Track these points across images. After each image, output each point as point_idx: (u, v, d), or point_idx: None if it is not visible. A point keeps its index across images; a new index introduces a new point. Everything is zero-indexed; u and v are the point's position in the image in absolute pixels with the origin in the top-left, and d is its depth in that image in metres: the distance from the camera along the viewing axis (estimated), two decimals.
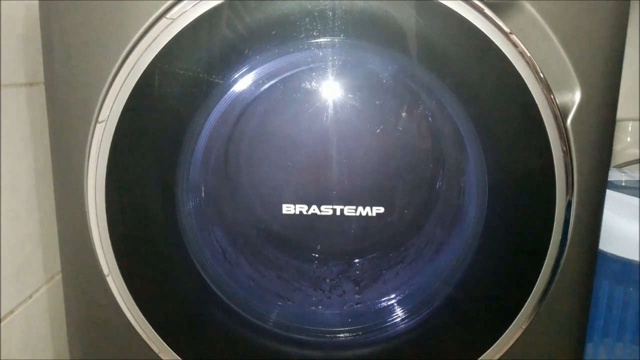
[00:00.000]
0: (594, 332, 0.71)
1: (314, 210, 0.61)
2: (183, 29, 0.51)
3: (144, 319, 0.59)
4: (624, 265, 0.68)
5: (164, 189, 0.56)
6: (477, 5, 0.51)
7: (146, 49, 0.52)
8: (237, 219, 0.68)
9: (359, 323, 0.63)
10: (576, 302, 0.60)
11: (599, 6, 0.52)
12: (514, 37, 0.52)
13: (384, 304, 0.65)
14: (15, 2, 0.60)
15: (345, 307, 0.66)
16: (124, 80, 0.53)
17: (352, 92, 0.60)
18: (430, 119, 0.62)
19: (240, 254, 0.68)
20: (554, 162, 0.53)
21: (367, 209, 0.61)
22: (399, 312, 0.63)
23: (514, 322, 0.58)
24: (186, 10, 0.51)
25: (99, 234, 0.56)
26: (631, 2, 0.54)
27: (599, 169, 0.56)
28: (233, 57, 0.52)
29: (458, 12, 0.51)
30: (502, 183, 0.55)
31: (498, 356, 0.60)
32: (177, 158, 0.55)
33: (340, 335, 0.62)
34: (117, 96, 0.53)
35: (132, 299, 0.58)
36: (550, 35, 0.53)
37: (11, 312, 0.61)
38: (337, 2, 0.51)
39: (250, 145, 0.64)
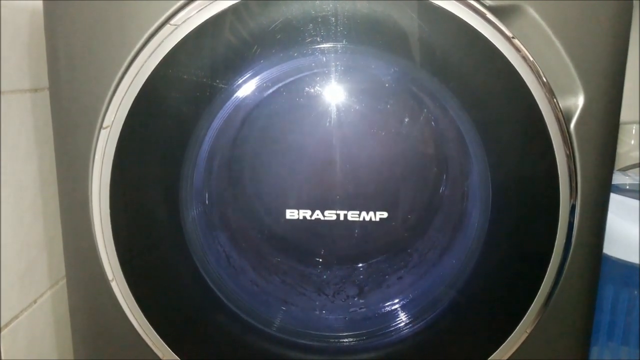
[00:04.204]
0: (599, 336, 0.71)
1: (317, 215, 0.61)
2: (187, 34, 0.52)
3: (148, 323, 0.59)
4: (628, 269, 0.67)
5: (168, 194, 0.56)
6: (479, 9, 0.51)
7: (150, 55, 0.52)
8: (241, 224, 0.68)
9: (363, 328, 0.63)
10: (581, 306, 0.60)
11: (602, 9, 0.52)
12: (516, 41, 0.52)
13: (387, 308, 0.65)
14: (20, 8, 0.60)
15: (349, 312, 0.66)
16: (129, 86, 0.53)
17: (355, 97, 0.60)
18: (433, 123, 0.62)
19: (244, 259, 0.68)
20: (558, 166, 0.53)
21: (371, 213, 0.61)
22: (402, 317, 0.63)
23: (519, 326, 0.58)
24: (190, 16, 0.51)
25: (103, 239, 0.56)
26: (633, 4, 0.54)
27: (602, 172, 0.56)
28: (237, 62, 0.53)
29: (460, 16, 0.51)
30: (505, 187, 0.55)
31: None
32: (181, 163, 0.55)
33: (344, 340, 0.62)
34: (121, 102, 0.53)
35: (136, 304, 0.58)
36: (553, 39, 0.53)
37: (16, 317, 0.61)
38: (339, 7, 0.51)
39: (253, 150, 0.64)
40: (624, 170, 0.93)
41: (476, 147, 0.55)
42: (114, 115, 0.54)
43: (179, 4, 0.52)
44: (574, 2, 0.52)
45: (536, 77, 0.52)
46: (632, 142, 1.01)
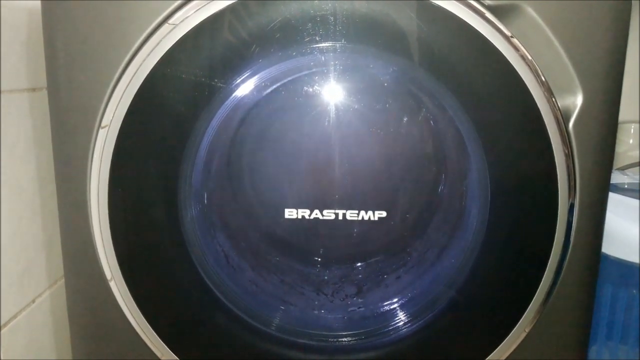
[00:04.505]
0: (598, 335, 0.71)
1: (316, 214, 0.61)
2: (186, 34, 0.51)
3: (147, 323, 0.59)
4: (626, 268, 0.67)
5: (167, 193, 0.56)
6: (478, 9, 0.51)
7: (149, 54, 0.52)
8: (239, 224, 0.68)
9: (362, 327, 0.63)
10: (579, 305, 0.60)
11: (600, 9, 0.52)
12: (515, 40, 0.52)
13: (386, 307, 0.65)
14: (18, 7, 0.60)
15: (347, 311, 0.66)
16: (127, 85, 0.53)
17: (354, 96, 0.60)
18: (432, 122, 0.62)
19: (243, 259, 0.68)
20: (556, 166, 0.53)
21: (370, 213, 0.61)
22: (401, 316, 0.63)
23: (517, 325, 0.58)
24: (189, 16, 0.51)
25: (102, 238, 0.56)
26: (632, 3, 0.54)
27: (601, 171, 0.56)
28: (236, 61, 0.53)
29: (459, 15, 0.51)
30: (504, 187, 0.55)
31: None
32: (179, 163, 0.55)
33: (343, 340, 0.62)
34: (120, 101, 0.53)
35: (134, 303, 0.58)
36: (552, 38, 0.53)
37: (14, 316, 0.61)
38: (338, 7, 0.51)
39: (252, 149, 0.64)
40: (622, 169, 0.93)
41: (475, 146, 0.55)
42: (112, 115, 0.53)
43: (177, 3, 0.52)
44: (572, 1, 0.52)
45: (535, 76, 0.52)
46: (631, 141, 1.01)
